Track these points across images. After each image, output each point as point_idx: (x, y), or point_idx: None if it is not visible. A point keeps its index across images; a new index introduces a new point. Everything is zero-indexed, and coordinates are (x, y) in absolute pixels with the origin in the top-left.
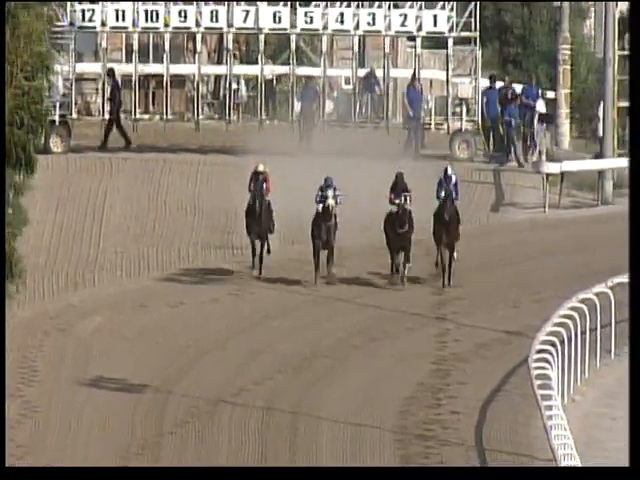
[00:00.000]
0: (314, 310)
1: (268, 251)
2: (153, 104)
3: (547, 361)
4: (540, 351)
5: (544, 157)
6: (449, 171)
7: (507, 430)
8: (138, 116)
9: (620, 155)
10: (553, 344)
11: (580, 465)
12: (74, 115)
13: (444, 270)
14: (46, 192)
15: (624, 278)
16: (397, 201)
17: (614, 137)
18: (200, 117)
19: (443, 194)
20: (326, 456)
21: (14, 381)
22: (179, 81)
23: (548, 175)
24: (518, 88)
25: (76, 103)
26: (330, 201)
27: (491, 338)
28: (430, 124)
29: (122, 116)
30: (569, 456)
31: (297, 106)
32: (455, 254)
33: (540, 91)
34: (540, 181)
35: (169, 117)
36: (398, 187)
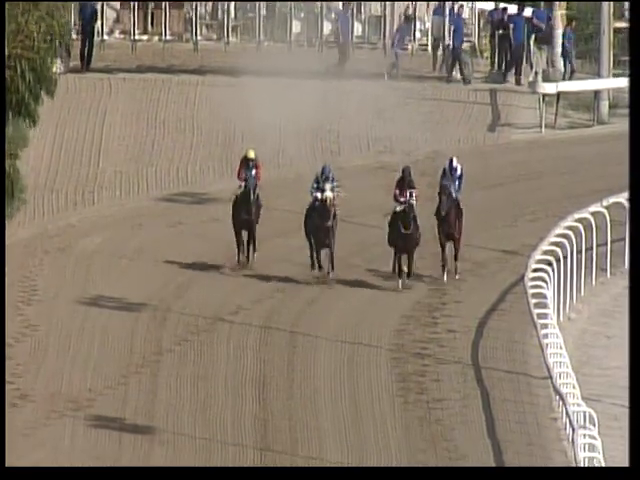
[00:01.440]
0: None
1: (254, 248)
2: (152, 25)
3: (543, 280)
4: (536, 270)
5: (540, 77)
6: (454, 162)
7: (503, 348)
8: (137, 37)
9: (616, 75)
10: (549, 263)
11: (577, 387)
12: (73, 36)
13: (444, 266)
14: (45, 113)
15: (619, 198)
16: (402, 199)
17: (610, 57)
18: (199, 38)
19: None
20: (323, 374)
21: (14, 299)
22: (178, 2)
23: (544, 95)
24: (512, 9)
25: (75, 24)
26: (328, 194)
27: (487, 257)
28: (427, 45)
29: (120, 36)
30: (565, 374)
31: (295, 27)
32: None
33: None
34: (536, 101)
35: (168, 38)
36: (404, 182)
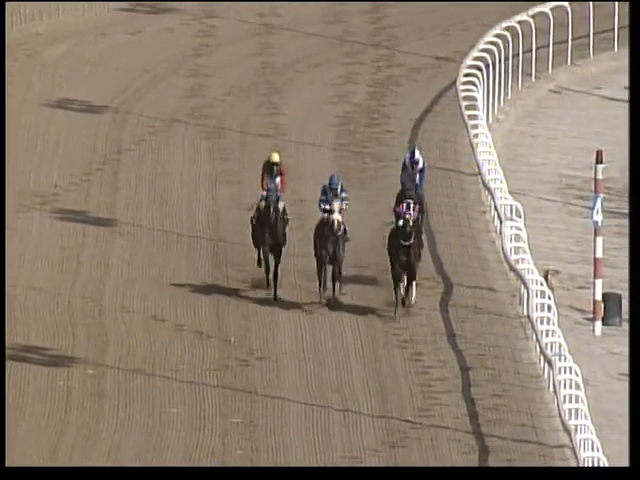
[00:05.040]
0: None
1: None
2: None
3: (473, 84)
4: (467, 75)
5: None
6: (416, 154)
7: (436, 147)
8: None
9: None
10: (479, 68)
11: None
12: None
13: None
14: None
15: (544, 7)
16: (407, 216)
17: None
18: None
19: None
20: None
21: None
22: None
23: None
24: None
25: None
26: (336, 216)
27: (422, 63)
28: None
29: None
30: (493, 171)
31: None
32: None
33: None
34: None
35: None
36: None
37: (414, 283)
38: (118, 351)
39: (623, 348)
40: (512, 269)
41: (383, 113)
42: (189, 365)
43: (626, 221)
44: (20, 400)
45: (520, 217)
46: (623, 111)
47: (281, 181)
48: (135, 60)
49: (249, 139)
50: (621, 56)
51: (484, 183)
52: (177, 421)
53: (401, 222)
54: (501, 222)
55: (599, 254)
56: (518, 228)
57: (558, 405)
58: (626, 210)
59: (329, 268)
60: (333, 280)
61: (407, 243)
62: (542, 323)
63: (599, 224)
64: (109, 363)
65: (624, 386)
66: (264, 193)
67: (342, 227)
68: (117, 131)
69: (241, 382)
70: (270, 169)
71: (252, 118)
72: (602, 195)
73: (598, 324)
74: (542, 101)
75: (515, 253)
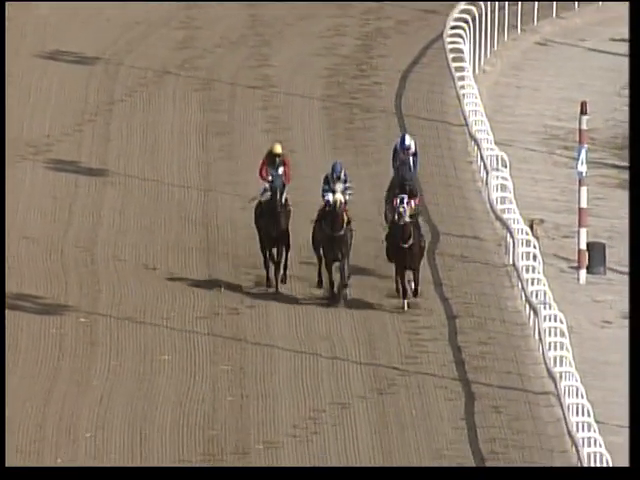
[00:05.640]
0: None
1: (285, 266)
2: None
3: (460, 36)
4: (454, 27)
5: None
6: (407, 140)
7: (424, 99)
8: None
9: None
10: (465, 21)
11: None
12: None
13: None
14: None
15: None
16: (401, 209)
17: None
18: None
19: (398, 166)
20: (260, 120)
21: None
22: None
23: None
24: None
25: None
26: (338, 196)
27: (410, 16)
28: None
29: None
30: (479, 122)
31: None
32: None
33: None
34: None
35: None
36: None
37: (418, 277)
38: (110, 299)
39: (607, 296)
40: (498, 218)
41: (371, 65)
42: (180, 313)
43: (610, 171)
44: (13, 347)
45: (506, 167)
46: (607, 62)
47: (285, 172)
48: (126, 12)
49: (239, 90)
50: (605, 8)
51: (470, 134)
52: (168, 368)
53: (395, 216)
54: (487, 172)
55: (583, 204)
56: (504, 178)
57: (543, 352)
58: (610, 161)
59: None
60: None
61: (407, 245)
62: (527, 272)
63: (583, 174)
64: (101, 311)
65: (608, 333)
66: (267, 185)
67: (344, 219)
68: (109, 82)
69: (231, 330)
70: (272, 160)
71: (242, 70)
72: (586, 146)
73: (583, 273)
74: (527, 53)
75: (501, 203)
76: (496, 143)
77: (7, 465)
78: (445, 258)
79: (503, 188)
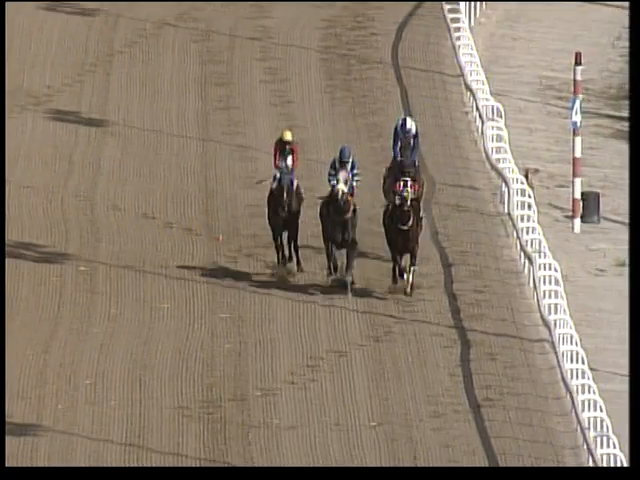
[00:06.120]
0: None
1: (296, 253)
2: None
3: None
4: None
5: None
6: (408, 123)
7: (420, 49)
8: None
9: None
10: None
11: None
12: None
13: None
14: None
15: None
16: (405, 194)
17: None
18: None
19: (399, 149)
20: (261, 103)
21: None
22: None
23: None
24: None
25: None
26: (341, 186)
27: None
28: None
29: None
30: (475, 72)
31: None
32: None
33: None
34: None
35: None
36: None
37: (413, 269)
38: (110, 248)
39: (601, 244)
40: (493, 168)
41: (368, 16)
42: (179, 262)
43: (604, 121)
44: (14, 295)
45: (501, 117)
46: (602, 14)
47: (293, 159)
48: None
49: (237, 42)
50: None
51: (466, 84)
52: (167, 316)
53: (398, 200)
54: (483, 122)
55: (578, 153)
56: (499, 128)
57: (538, 300)
58: (604, 111)
59: (341, 251)
60: (348, 261)
61: (405, 227)
62: (522, 221)
63: (578, 124)
64: (101, 260)
65: (602, 281)
66: (277, 174)
67: (350, 204)
68: (108, 33)
69: (229, 278)
70: (282, 147)
71: (240, 21)
72: (581, 96)
73: (577, 222)
74: (523, 4)
75: (496, 152)
76: (491, 94)
77: (8, 413)
78: (441, 207)
79: (498, 138)
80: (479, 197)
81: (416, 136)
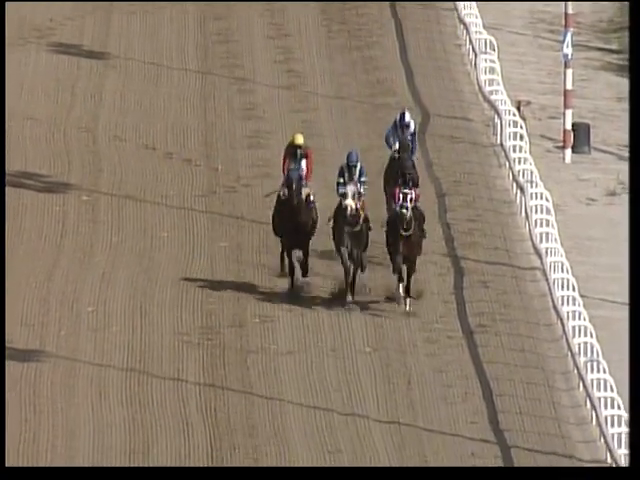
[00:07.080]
0: None
1: (305, 268)
2: None
3: None
4: None
5: None
6: (407, 117)
7: None
8: None
9: None
10: None
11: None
12: None
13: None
14: None
15: None
16: (404, 210)
17: None
18: None
19: (397, 145)
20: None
21: None
22: None
23: None
24: None
25: None
26: (349, 202)
27: None
28: None
29: None
30: (468, 6)
31: None
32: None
33: None
34: None
35: None
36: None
37: (413, 277)
38: (111, 178)
39: (592, 174)
40: (486, 100)
41: None
42: (178, 191)
43: (595, 54)
44: (17, 225)
45: (494, 50)
46: None
47: (307, 166)
48: None
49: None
50: None
51: (459, 18)
52: (167, 245)
53: (398, 209)
54: (476, 55)
55: (569, 86)
56: (492, 61)
57: (530, 229)
58: (594, 44)
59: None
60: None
61: (407, 233)
62: (514, 151)
63: (569, 57)
64: (103, 190)
65: (592, 210)
66: (286, 179)
67: (360, 216)
68: None
69: (228, 208)
70: (293, 152)
71: None
72: (572, 29)
73: (568, 152)
74: None
75: (489, 85)
76: (484, 27)
77: (11, 339)
78: (435, 139)
79: (491, 70)
80: (472, 128)
81: (414, 134)
